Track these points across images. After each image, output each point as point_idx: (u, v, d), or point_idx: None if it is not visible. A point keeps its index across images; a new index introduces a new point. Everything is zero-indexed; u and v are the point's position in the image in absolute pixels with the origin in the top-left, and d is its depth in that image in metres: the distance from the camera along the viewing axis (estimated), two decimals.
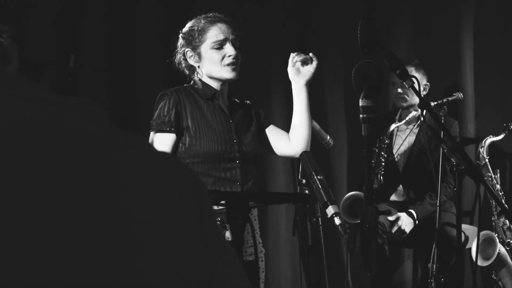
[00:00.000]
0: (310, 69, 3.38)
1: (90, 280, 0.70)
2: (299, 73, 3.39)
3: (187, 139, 3.23)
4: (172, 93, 3.28)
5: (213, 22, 3.33)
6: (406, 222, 4.93)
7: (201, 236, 0.77)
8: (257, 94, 5.54)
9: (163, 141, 3.23)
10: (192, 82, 3.39)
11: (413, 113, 5.03)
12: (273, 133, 3.50)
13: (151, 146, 0.79)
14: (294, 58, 3.39)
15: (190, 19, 3.44)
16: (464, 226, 4.83)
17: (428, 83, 5.24)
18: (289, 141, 3.46)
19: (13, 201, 0.70)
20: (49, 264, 0.69)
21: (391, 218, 4.94)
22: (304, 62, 3.39)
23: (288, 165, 5.40)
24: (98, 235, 0.71)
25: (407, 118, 4.99)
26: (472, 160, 2.94)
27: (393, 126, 4.99)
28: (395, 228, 4.92)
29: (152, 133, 3.27)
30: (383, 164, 4.96)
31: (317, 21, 5.87)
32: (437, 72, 5.63)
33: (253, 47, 5.58)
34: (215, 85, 3.35)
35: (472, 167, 2.84)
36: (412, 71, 5.11)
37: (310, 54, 3.40)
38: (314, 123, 3.76)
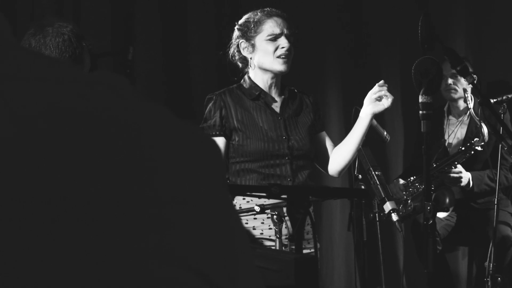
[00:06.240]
0: (384, 104, 3.31)
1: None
2: (373, 101, 3.34)
3: (236, 139, 3.26)
4: (217, 96, 3.31)
5: (269, 15, 3.34)
6: (464, 174, 4.87)
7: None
8: (311, 87, 5.56)
9: None
10: (242, 80, 3.40)
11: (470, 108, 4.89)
12: (320, 143, 3.47)
13: (175, 119, 0.74)
14: (377, 90, 3.33)
15: (243, 13, 3.47)
16: None
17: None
18: (329, 158, 3.45)
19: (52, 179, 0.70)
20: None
21: (456, 169, 4.86)
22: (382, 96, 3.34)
23: None
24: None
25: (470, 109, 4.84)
26: None
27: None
28: (459, 169, 4.83)
29: None
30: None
31: (370, 16, 5.83)
32: (495, 68, 5.54)
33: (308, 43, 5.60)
34: (266, 77, 3.34)
35: None
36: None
37: (388, 94, 3.33)
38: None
